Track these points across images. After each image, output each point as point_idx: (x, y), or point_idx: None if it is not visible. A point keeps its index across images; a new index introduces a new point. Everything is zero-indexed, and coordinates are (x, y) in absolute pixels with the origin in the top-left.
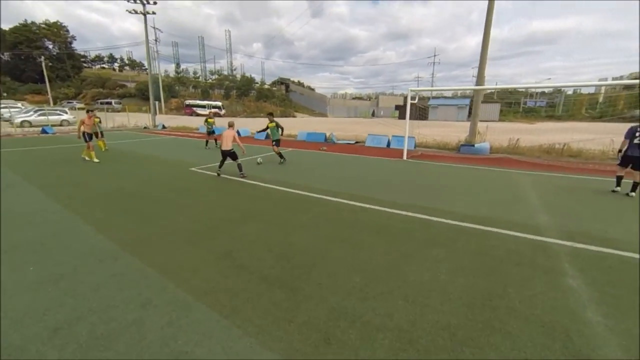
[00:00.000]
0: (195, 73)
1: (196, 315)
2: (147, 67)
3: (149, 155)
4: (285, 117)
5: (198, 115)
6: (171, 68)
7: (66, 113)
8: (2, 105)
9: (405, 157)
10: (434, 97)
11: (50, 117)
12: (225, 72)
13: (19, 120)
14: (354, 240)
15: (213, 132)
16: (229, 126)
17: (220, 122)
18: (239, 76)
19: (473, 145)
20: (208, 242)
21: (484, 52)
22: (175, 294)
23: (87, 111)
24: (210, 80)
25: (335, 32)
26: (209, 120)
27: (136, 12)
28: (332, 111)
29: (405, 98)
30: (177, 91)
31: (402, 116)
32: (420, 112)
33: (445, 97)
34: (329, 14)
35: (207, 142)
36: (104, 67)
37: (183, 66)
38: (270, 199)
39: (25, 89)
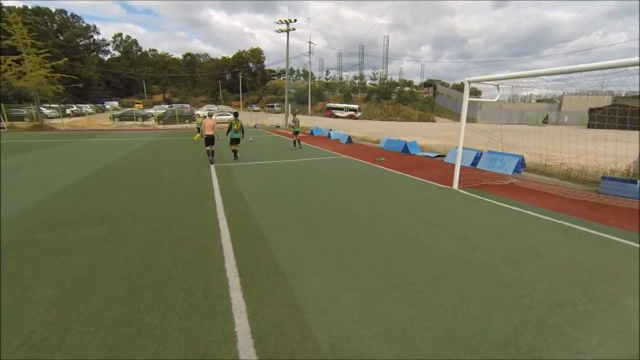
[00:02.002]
0: (341, 79)
1: None
2: (305, 76)
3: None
4: (422, 121)
5: (337, 117)
6: (344, 76)
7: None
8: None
9: (456, 187)
10: None
11: (221, 117)
12: (379, 78)
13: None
14: None
15: (297, 132)
16: (209, 116)
17: (353, 124)
18: (390, 79)
19: (635, 183)
20: None
21: None
22: None
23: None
24: (352, 84)
25: (525, 20)
26: (295, 121)
27: (282, 31)
28: (483, 116)
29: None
30: (324, 95)
31: (599, 123)
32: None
33: None
34: (517, 3)
35: (294, 142)
36: (278, 79)
37: (346, 73)
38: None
39: (234, 97)
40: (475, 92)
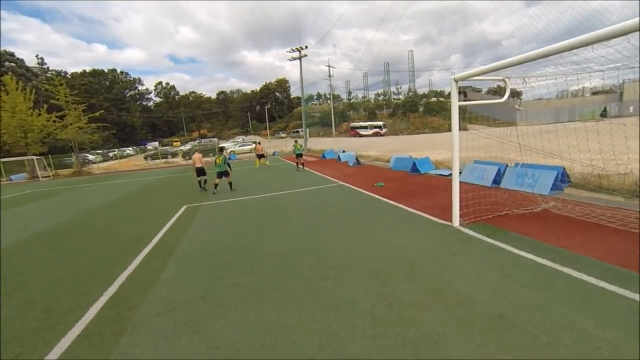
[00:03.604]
0: (364, 97)
1: None
2: (330, 99)
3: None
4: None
5: (361, 136)
6: (368, 95)
7: (257, 143)
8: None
9: (457, 224)
10: None
11: (242, 147)
12: (402, 92)
13: (236, 148)
14: None
15: (301, 154)
16: (197, 152)
17: (376, 142)
18: (415, 92)
19: None
20: None
21: None
22: None
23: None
24: (377, 102)
25: (566, 12)
26: (295, 146)
27: (294, 59)
28: (524, 117)
29: None
30: (349, 116)
31: None
32: None
33: None
34: None
35: (297, 164)
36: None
37: (373, 91)
38: None
39: (262, 127)
40: (515, 94)
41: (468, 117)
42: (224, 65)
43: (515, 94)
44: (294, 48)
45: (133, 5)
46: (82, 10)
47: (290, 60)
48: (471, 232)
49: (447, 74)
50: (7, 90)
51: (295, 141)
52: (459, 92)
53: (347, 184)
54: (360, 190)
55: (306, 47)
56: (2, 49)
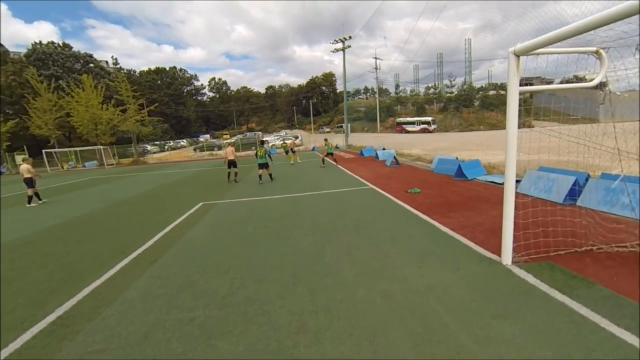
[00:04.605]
0: (412, 91)
1: None
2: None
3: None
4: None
5: (407, 132)
6: (417, 89)
7: (297, 138)
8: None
9: (508, 261)
10: None
11: (286, 140)
12: (456, 85)
13: (277, 142)
14: None
15: (331, 153)
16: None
17: (423, 139)
18: (471, 85)
19: None
20: None
21: None
22: None
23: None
24: (427, 96)
25: None
26: (327, 144)
27: (337, 51)
28: (607, 113)
29: None
30: (395, 110)
31: None
32: None
33: None
34: None
35: (322, 160)
36: (352, 99)
37: (423, 85)
38: None
39: (307, 121)
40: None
41: (533, 110)
42: (274, 61)
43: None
44: (337, 39)
45: (196, 6)
46: (154, 14)
47: (333, 51)
48: (530, 278)
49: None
50: (84, 87)
51: (325, 140)
52: (522, 83)
53: (376, 188)
54: (390, 196)
55: (350, 37)
56: (86, 52)
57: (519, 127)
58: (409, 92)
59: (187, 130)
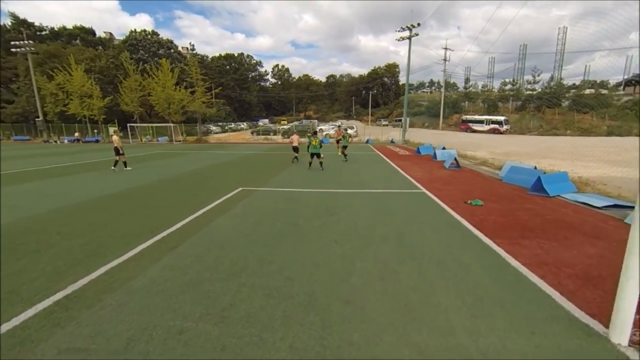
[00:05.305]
0: (485, 86)
1: None
2: (442, 86)
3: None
4: (617, 135)
5: (474, 131)
6: (491, 84)
7: (352, 129)
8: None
9: (622, 340)
10: None
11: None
12: (542, 81)
13: (331, 132)
14: None
15: (345, 147)
16: (296, 133)
17: (491, 140)
18: (558, 81)
19: None
20: None
21: None
22: None
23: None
24: (501, 92)
25: None
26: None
27: (403, 39)
28: None
29: None
30: (462, 107)
31: None
32: None
33: None
34: None
35: (343, 154)
36: (415, 92)
37: (498, 80)
38: None
39: (365, 112)
40: None
41: None
42: (338, 50)
43: None
44: (403, 26)
45: None
46: (231, 5)
47: (398, 40)
48: None
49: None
50: (162, 70)
51: (345, 130)
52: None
53: (429, 193)
54: (444, 206)
55: (418, 24)
56: (168, 38)
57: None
58: (480, 87)
59: (249, 113)
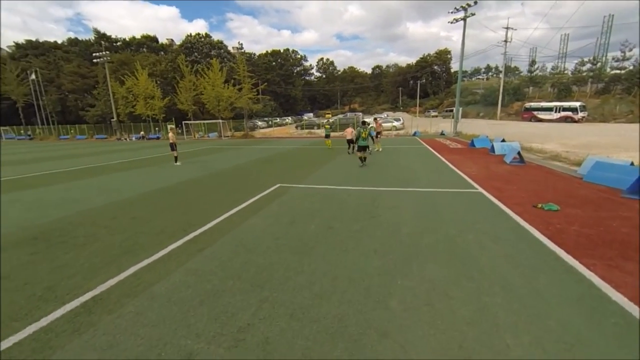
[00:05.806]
0: (555, 68)
1: None
2: (502, 72)
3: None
4: None
5: (539, 120)
6: (563, 65)
7: (398, 121)
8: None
9: None
10: None
11: (385, 124)
12: (634, 57)
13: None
14: None
15: (352, 140)
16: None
17: (563, 130)
18: None
19: None
20: None
21: None
22: None
23: (375, 119)
24: (577, 74)
25: None
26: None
27: (456, 21)
28: None
29: None
30: (526, 93)
31: None
32: None
33: None
34: None
35: (354, 148)
36: (468, 80)
37: (572, 61)
38: None
39: (413, 103)
40: None
41: None
42: (384, 40)
43: None
44: (457, 7)
45: None
46: (279, 3)
47: (451, 22)
48: None
49: None
50: (212, 69)
51: (364, 122)
52: None
53: (487, 194)
54: (507, 210)
55: (475, 2)
56: (218, 39)
57: None
58: (548, 69)
59: (294, 108)
